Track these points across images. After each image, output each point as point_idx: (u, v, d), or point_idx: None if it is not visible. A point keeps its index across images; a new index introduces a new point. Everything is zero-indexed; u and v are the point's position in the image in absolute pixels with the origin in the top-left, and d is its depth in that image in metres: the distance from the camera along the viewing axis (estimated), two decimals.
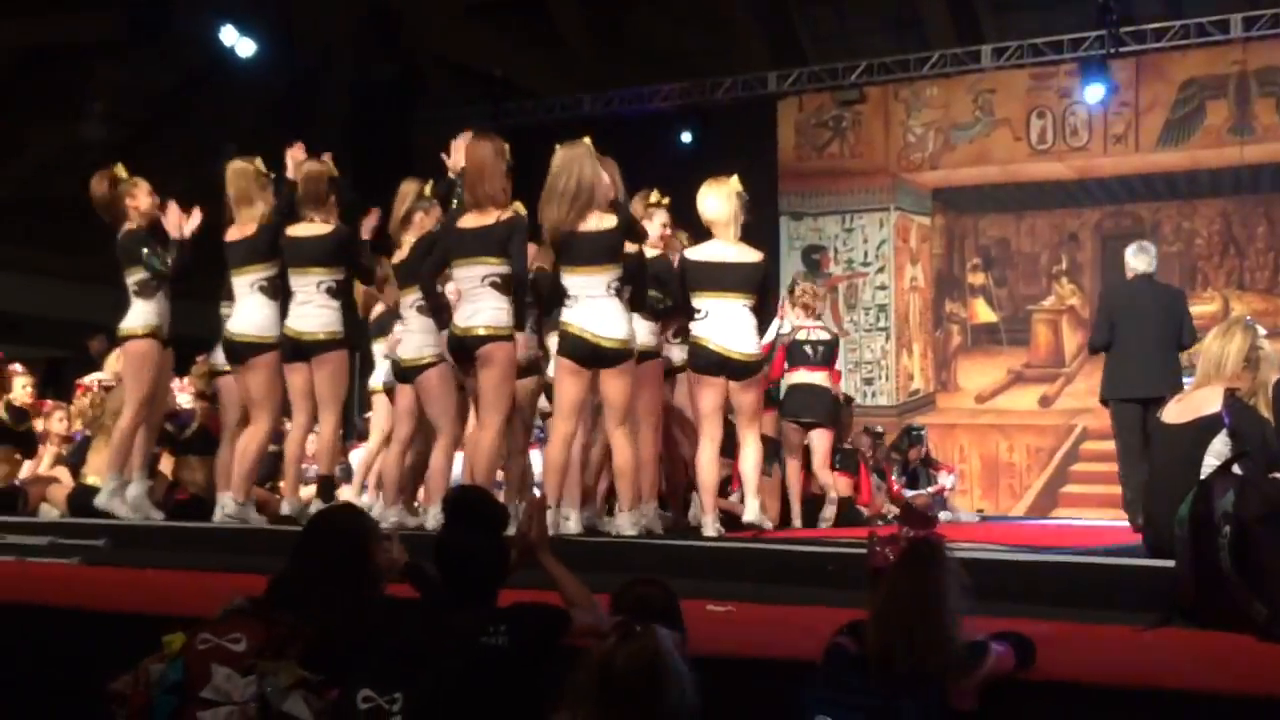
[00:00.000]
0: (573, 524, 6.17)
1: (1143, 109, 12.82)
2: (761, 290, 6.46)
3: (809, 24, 14.67)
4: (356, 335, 7.41)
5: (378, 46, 14.70)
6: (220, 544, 6.39)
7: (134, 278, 7.18)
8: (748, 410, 6.52)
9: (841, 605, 3.58)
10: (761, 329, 6.71)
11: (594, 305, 5.96)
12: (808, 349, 8.24)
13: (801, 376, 8.24)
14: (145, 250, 7.07)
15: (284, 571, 3.29)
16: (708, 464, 6.40)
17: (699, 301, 6.38)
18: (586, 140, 6.13)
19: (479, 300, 6.09)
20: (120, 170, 7.21)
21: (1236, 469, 4.52)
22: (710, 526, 6.32)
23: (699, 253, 6.46)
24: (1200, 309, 11.05)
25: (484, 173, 6.11)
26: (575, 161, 6.00)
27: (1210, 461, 4.84)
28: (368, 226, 7.05)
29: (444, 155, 6.67)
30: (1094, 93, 12.59)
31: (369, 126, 14.98)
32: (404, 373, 6.75)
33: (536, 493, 6.19)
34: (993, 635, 3.03)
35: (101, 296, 14.88)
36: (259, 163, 7.05)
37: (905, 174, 13.87)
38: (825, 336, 8.39)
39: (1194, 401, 5.10)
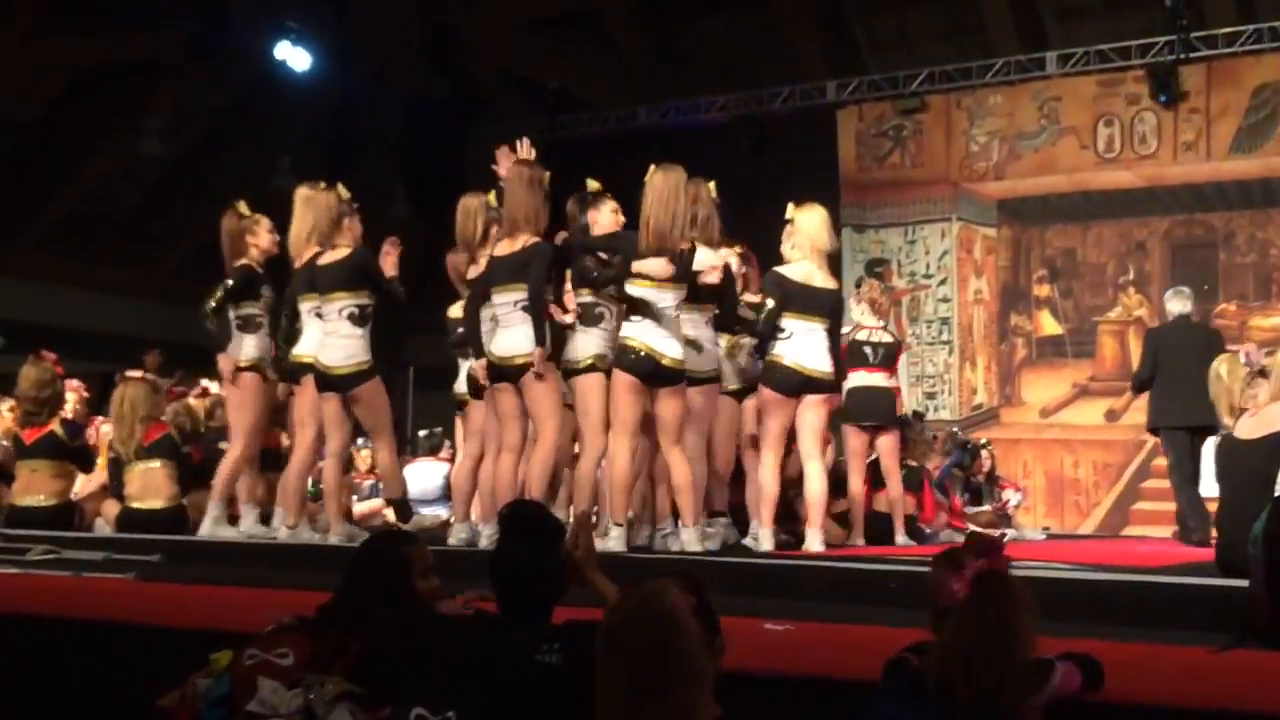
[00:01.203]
0: (613, 541, 6.19)
1: (1214, 115, 12.63)
2: (834, 315, 6.78)
3: (868, 32, 14.62)
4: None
5: (432, 61, 14.82)
6: (277, 560, 6.44)
7: (243, 311, 7.27)
8: (816, 428, 6.73)
9: (905, 625, 3.55)
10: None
11: (659, 322, 6.12)
12: (868, 350, 8.14)
13: (861, 378, 8.13)
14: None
15: (333, 597, 3.33)
16: (770, 480, 6.66)
17: (785, 321, 6.64)
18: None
19: (514, 326, 6.22)
20: (243, 207, 7.35)
21: None
22: (767, 540, 6.56)
23: (793, 271, 6.70)
24: (1274, 321, 10.87)
25: (517, 199, 6.29)
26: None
27: None
28: (389, 262, 6.99)
29: (494, 167, 6.77)
30: (1161, 100, 12.45)
31: (423, 141, 15.11)
32: (500, 371, 6.48)
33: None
34: (1059, 656, 2.98)
35: (157, 312, 15.15)
36: (340, 190, 7.12)
37: (968, 184, 13.77)
38: (887, 338, 8.29)
39: (1267, 416, 5.02)
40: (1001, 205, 13.70)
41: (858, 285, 8.76)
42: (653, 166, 6.30)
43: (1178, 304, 8.85)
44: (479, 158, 14.85)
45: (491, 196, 6.85)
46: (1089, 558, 6.62)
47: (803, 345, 6.65)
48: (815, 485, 6.79)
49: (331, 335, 6.80)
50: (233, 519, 7.49)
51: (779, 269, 6.76)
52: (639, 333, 6.14)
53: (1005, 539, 7.68)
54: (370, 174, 13.30)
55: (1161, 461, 12.41)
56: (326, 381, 6.82)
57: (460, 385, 7.75)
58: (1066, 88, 13.19)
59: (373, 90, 15.06)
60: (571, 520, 4.33)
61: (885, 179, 14.13)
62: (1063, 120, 13.28)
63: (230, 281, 7.24)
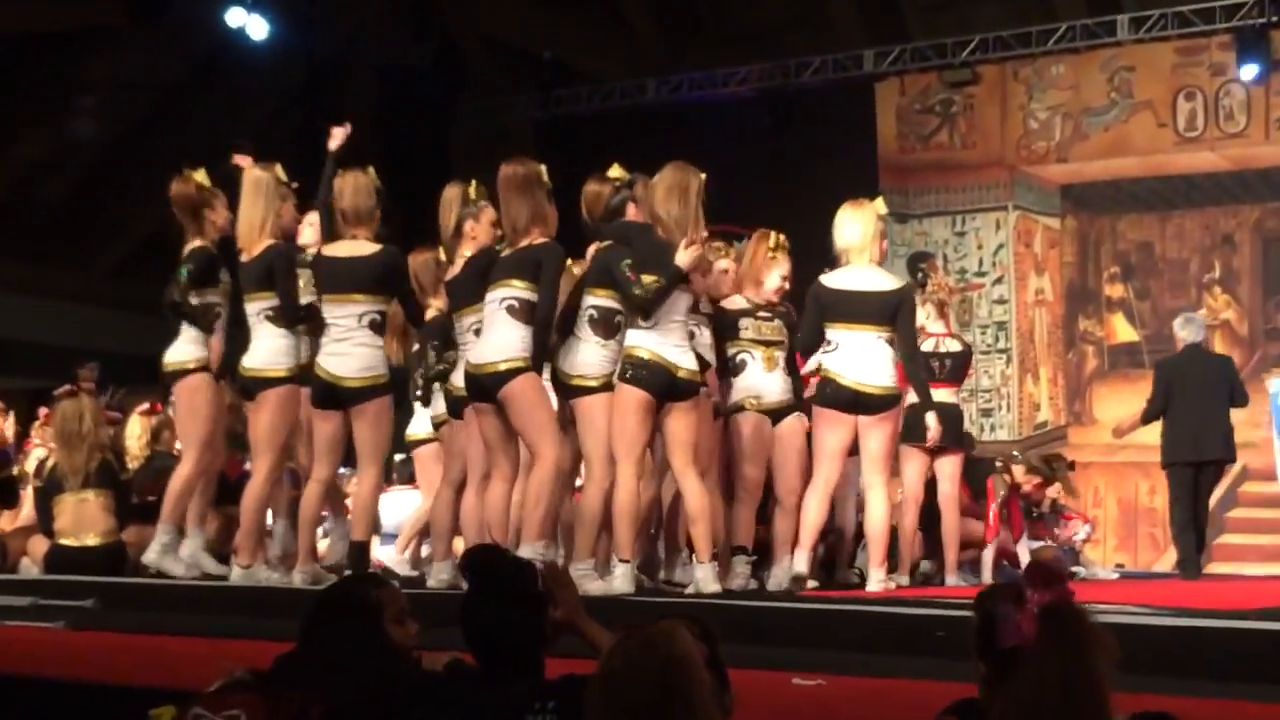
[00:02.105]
0: (620, 581, 6.21)
1: None
2: (899, 321, 6.90)
3: None
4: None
5: (411, 26, 14.85)
6: (229, 605, 6.44)
7: (199, 300, 7.26)
8: (876, 453, 6.92)
9: (954, 679, 3.53)
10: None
11: (670, 330, 6.25)
12: (934, 362, 8.10)
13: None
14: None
15: (293, 648, 3.32)
16: (816, 508, 6.89)
17: (830, 333, 6.88)
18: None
19: (497, 327, 6.38)
20: (201, 176, 7.36)
21: None
22: (802, 563, 6.80)
23: (834, 280, 6.94)
24: None
25: (514, 208, 6.41)
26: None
27: None
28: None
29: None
30: (1250, 69, 12.42)
31: (402, 118, 15.14)
32: (478, 384, 6.59)
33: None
34: (1133, 716, 2.96)
35: (92, 317, 15.19)
36: (279, 170, 7.14)
37: (1027, 167, 13.76)
38: (956, 347, 8.24)
39: None
40: (1066, 192, 13.69)
41: (922, 285, 8.70)
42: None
43: (1189, 332, 9.63)
44: (465, 136, 14.99)
45: (473, 188, 6.87)
46: (1168, 600, 6.60)
47: (852, 358, 6.82)
48: (877, 516, 6.98)
49: (345, 342, 6.80)
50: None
51: (821, 279, 7.02)
52: (648, 342, 6.21)
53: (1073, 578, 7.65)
54: (340, 156, 13.29)
55: (1252, 488, 12.43)
56: (332, 394, 6.82)
57: (417, 426, 7.89)
58: (1141, 56, 13.18)
59: (342, 61, 15.10)
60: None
61: (931, 161, 14.13)
62: (1136, 94, 13.27)
63: (190, 266, 7.22)
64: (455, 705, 3.15)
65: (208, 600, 6.66)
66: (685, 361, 6.26)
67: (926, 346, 8.07)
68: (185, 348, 7.24)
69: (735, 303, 7.24)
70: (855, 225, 6.97)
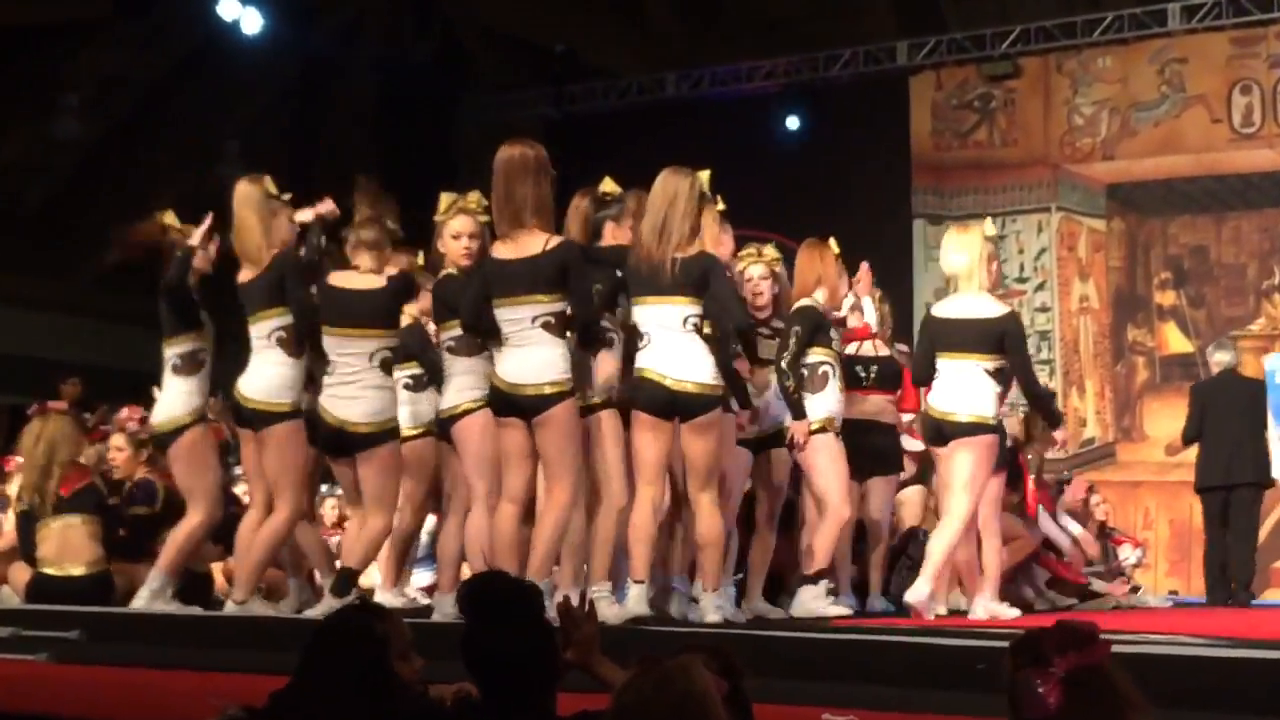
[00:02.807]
0: (633, 603, 6.24)
1: None
2: (1004, 348, 7.00)
3: None
4: None
5: (412, 19, 14.90)
6: (222, 638, 6.46)
7: (178, 348, 7.28)
8: (954, 480, 7.01)
9: (991, 714, 3.54)
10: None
11: (671, 343, 6.24)
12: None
13: None
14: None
15: (290, 683, 3.33)
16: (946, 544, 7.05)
17: (938, 362, 7.06)
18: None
19: (530, 346, 6.25)
20: (170, 218, 7.36)
21: None
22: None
23: (941, 309, 7.19)
24: None
25: (514, 192, 6.27)
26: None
27: None
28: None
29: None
30: None
31: (403, 117, 15.19)
32: (441, 423, 6.82)
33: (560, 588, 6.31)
34: None
35: (77, 330, 15.21)
36: (268, 183, 7.15)
37: (1071, 166, 13.77)
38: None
39: None
40: (1113, 191, 13.69)
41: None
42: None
43: (1223, 355, 10.69)
44: (471, 137, 15.02)
45: (474, 198, 6.80)
46: (1224, 629, 6.59)
47: (947, 389, 7.04)
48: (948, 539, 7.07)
49: (353, 384, 6.83)
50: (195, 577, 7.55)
51: (931, 307, 7.39)
52: (648, 360, 6.29)
53: (1117, 603, 7.68)
54: (337, 159, 13.36)
55: None
56: (339, 441, 6.86)
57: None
58: (1193, 46, 13.19)
59: (340, 56, 15.15)
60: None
61: (968, 159, 14.14)
62: (1189, 87, 13.28)
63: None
64: None
65: (200, 632, 6.67)
66: (688, 373, 6.25)
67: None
68: (175, 401, 7.24)
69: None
70: (961, 252, 7.12)
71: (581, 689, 3.37)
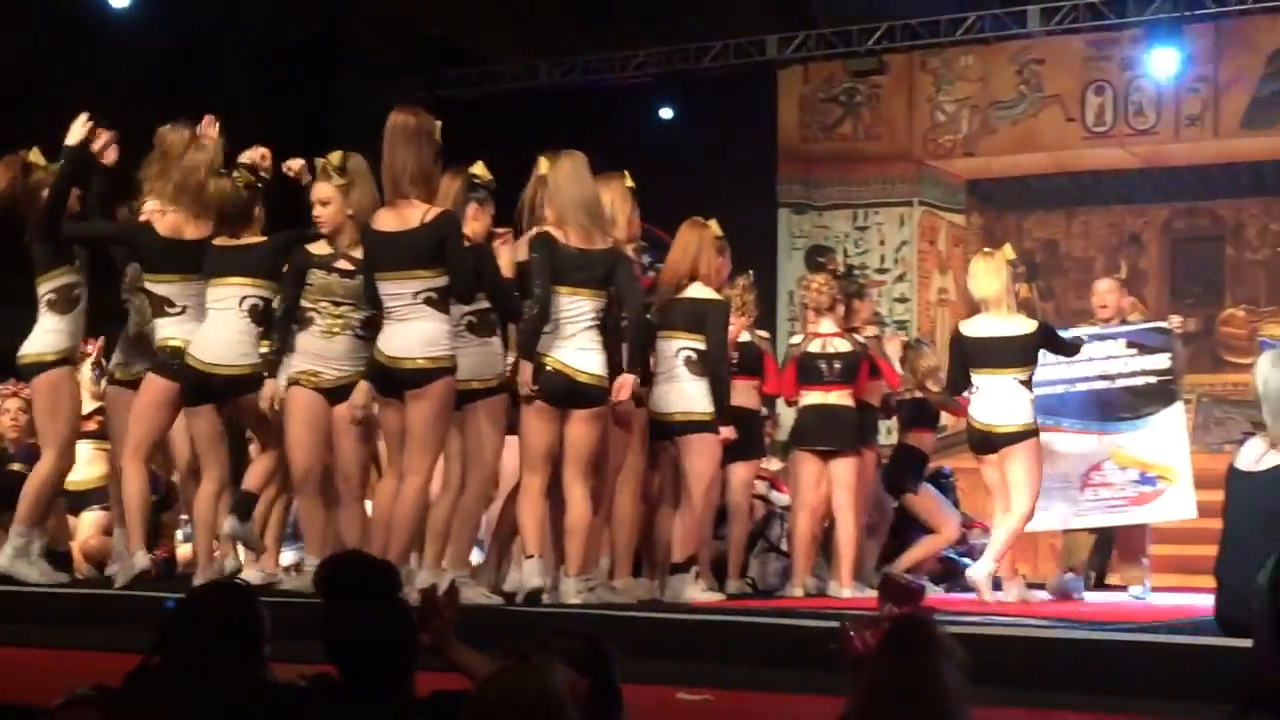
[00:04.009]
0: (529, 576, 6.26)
1: (1223, 85, 12.87)
2: (1035, 360, 7.75)
3: None
4: None
5: None
6: (89, 615, 6.34)
7: (56, 282, 7.10)
8: (1014, 481, 7.60)
9: (843, 694, 3.57)
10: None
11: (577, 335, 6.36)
12: (821, 364, 8.20)
13: (817, 397, 8.21)
14: None
15: (148, 658, 3.25)
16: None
17: (974, 378, 7.70)
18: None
19: (412, 321, 6.18)
20: (36, 156, 7.19)
21: None
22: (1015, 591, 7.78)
23: (971, 328, 7.77)
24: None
25: (400, 158, 6.21)
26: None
27: None
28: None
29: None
30: (1163, 64, 12.63)
31: (279, 98, 14.97)
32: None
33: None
34: None
35: None
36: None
37: (933, 161, 13.90)
38: (845, 347, 8.32)
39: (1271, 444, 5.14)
40: (972, 187, 13.85)
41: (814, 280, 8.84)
42: (542, 158, 6.38)
43: None
44: (349, 119, 14.80)
45: (334, 157, 6.67)
46: (1069, 613, 6.72)
47: (989, 402, 7.64)
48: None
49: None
50: (55, 556, 7.38)
51: (959, 326, 7.96)
52: (554, 349, 6.35)
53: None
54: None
55: None
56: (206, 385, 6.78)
57: None
58: (1051, 48, 13.35)
59: (216, 35, 14.89)
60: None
61: (833, 152, 14.23)
62: (1046, 87, 13.45)
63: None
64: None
65: (63, 609, 6.54)
66: (587, 365, 6.35)
67: (814, 348, 8.19)
68: (43, 337, 7.10)
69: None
70: (992, 279, 7.69)
71: (440, 668, 3.36)
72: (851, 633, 2.80)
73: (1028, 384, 7.67)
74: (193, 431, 6.93)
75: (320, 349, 6.47)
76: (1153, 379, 8.47)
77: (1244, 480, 5.17)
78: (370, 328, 6.46)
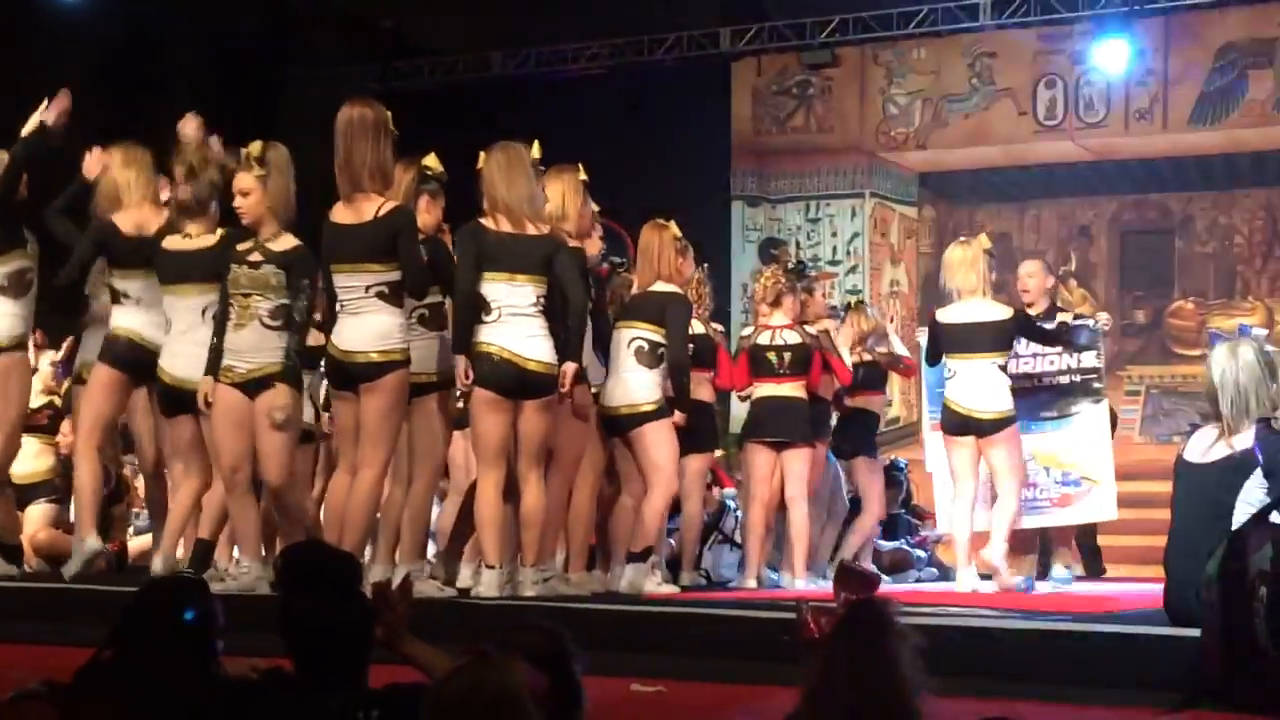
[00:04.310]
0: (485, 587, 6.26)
1: (1172, 79, 12.97)
2: (1011, 346, 7.82)
3: None
4: None
5: None
6: (34, 607, 6.30)
7: (3, 269, 7.06)
8: (999, 467, 7.68)
9: (795, 685, 3.58)
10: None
11: (520, 322, 6.27)
12: (772, 356, 8.22)
13: (769, 389, 8.24)
14: None
15: (99, 654, 3.24)
16: (962, 519, 7.80)
17: (950, 362, 7.73)
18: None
19: (365, 315, 6.15)
20: None
21: (1275, 517, 4.58)
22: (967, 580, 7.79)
23: (949, 315, 7.80)
24: (1236, 322, 11.17)
25: (355, 152, 6.17)
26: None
27: (1243, 509, 4.90)
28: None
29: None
30: (1112, 59, 12.72)
31: (229, 89, 14.87)
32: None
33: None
34: None
35: None
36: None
37: (885, 153, 13.95)
38: (795, 339, 8.32)
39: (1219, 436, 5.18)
40: (924, 180, 13.91)
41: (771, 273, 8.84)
42: (482, 153, 6.43)
43: None
44: (298, 110, 14.73)
45: (254, 148, 6.62)
46: (1019, 603, 6.76)
47: (969, 386, 7.63)
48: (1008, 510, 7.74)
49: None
50: (5, 549, 7.34)
51: (936, 312, 7.94)
52: (496, 337, 6.24)
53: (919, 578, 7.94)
54: (160, 130, 13.02)
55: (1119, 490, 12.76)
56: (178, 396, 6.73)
57: None
58: (1003, 42, 13.42)
59: (166, 25, 14.78)
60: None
61: (786, 145, 14.26)
62: (998, 81, 13.51)
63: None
64: (272, 712, 3.12)
65: (13, 602, 6.49)
66: (535, 352, 6.30)
67: (763, 340, 8.21)
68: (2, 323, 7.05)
69: None
70: (969, 269, 7.73)
71: (393, 662, 3.35)
72: (807, 617, 2.82)
73: (1004, 369, 7.71)
74: (173, 440, 6.86)
75: (231, 342, 6.39)
76: (1078, 377, 8.38)
77: (1192, 471, 5.20)
78: (278, 317, 6.40)
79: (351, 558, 3.54)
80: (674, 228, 7.45)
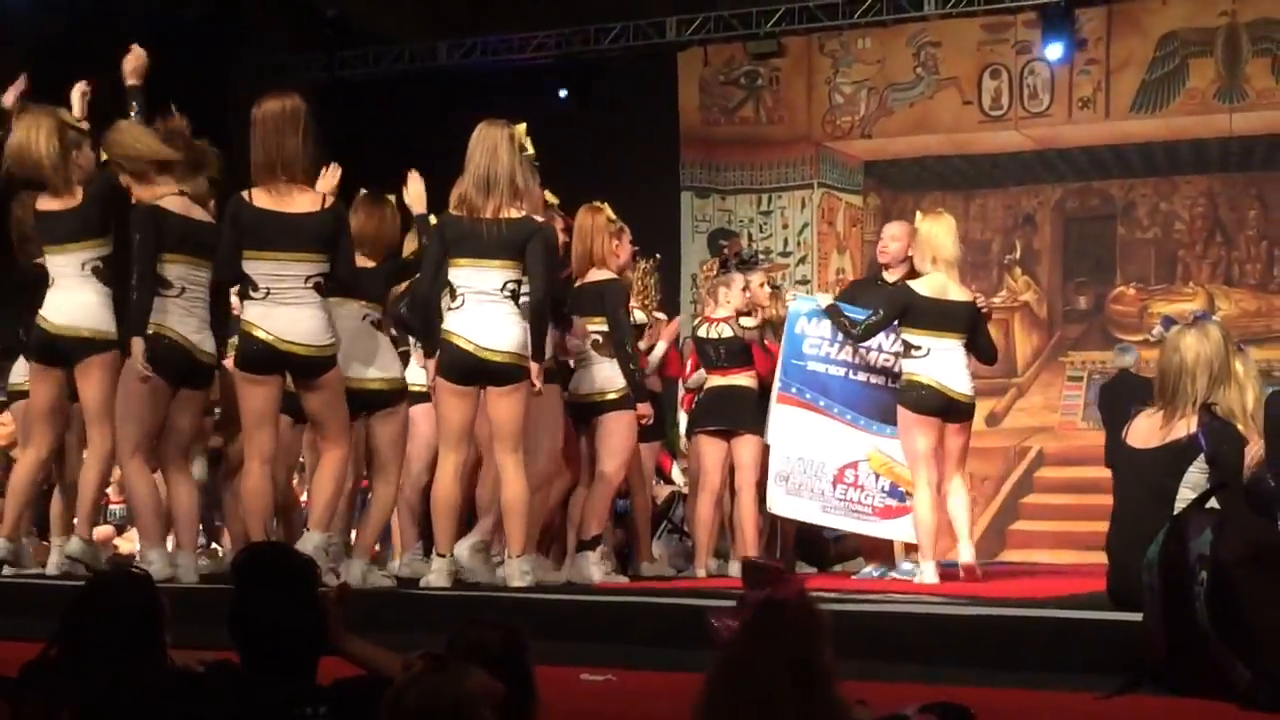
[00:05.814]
0: (435, 576, 6.25)
1: (1114, 68, 13.07)
2: (976, 330, 7.49)
3: None
4: None
5: None
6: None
7: None
8: (958, 453, 7.44)
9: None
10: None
11: (485, 309, 6.20)
12: (710, 349, 8.26)
13: (716, 380, 8.27)
14: None
15: (47, 648, 3.22)
16: (926, 508, 7.29)
17: (919, 338, 7.31)
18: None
19: (300, 306, 6.12)
20: None
21: (1215, 503, 4.63)
22: (930, 574, 7.18)
23: (926, 287, 7.35)
24: (1181, 308, 11.29)
25: (272, 145, 6.15)
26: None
27: (1185, 494, 4.96)
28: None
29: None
30: (1055, 48, 12.82)
31: (174, 77, 14.74)
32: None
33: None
34: (920, 707, 3.06)
35: None
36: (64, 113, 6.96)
37: (831, 143, 13.99)
38: (727, 333, 8.32)
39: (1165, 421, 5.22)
40: (869, 169, 13.96)
41: (724, 265, 8.83)
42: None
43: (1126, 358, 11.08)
44: (243, 99, 14.61)
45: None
46: (959, 589, 6.79)
47: (942, 364, 7.30)
48: (961, 501, 7.48)
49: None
50: None
51: (910, 282, 7.46)
52: (458, 324, 6.21)
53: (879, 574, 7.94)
54: (104, 119, 12.91)
55: (1046, 474, 12.86)
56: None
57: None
58: (947, 31, 13.48)
59: (111, 11, 14.64)
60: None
61: (735, 135, 14.28)
62: (942, 70, 13.58)
63: None
64: (219, 705, 3.12)
65: None
66: (499, 341, 6.24)
67: (702, 333, 8.27)
68: None
69: None
70: (948, 238, 7.41)
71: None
72: (715, 623, 2.74)
73: (968, 350, 7.47)
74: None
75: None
76: None
77: (1135, 456, 5.25)
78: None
79: (312, 562, 3.51)
80: (608, 210, 7.39)
